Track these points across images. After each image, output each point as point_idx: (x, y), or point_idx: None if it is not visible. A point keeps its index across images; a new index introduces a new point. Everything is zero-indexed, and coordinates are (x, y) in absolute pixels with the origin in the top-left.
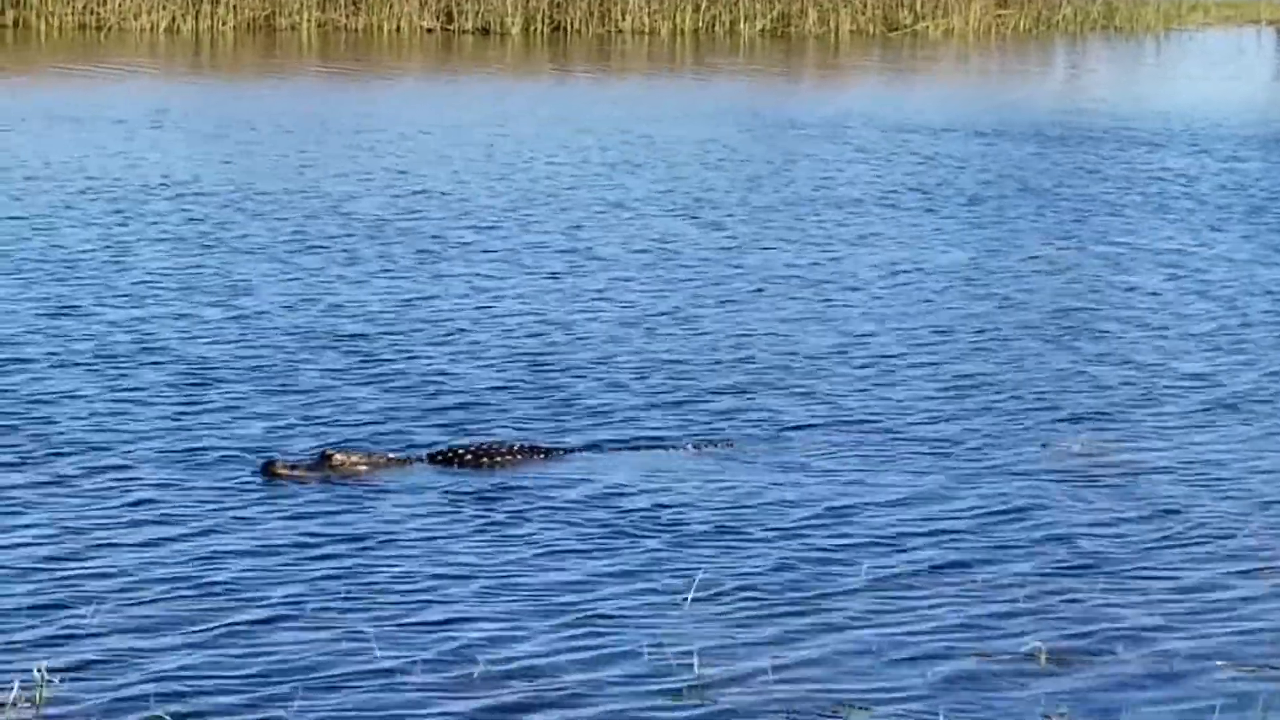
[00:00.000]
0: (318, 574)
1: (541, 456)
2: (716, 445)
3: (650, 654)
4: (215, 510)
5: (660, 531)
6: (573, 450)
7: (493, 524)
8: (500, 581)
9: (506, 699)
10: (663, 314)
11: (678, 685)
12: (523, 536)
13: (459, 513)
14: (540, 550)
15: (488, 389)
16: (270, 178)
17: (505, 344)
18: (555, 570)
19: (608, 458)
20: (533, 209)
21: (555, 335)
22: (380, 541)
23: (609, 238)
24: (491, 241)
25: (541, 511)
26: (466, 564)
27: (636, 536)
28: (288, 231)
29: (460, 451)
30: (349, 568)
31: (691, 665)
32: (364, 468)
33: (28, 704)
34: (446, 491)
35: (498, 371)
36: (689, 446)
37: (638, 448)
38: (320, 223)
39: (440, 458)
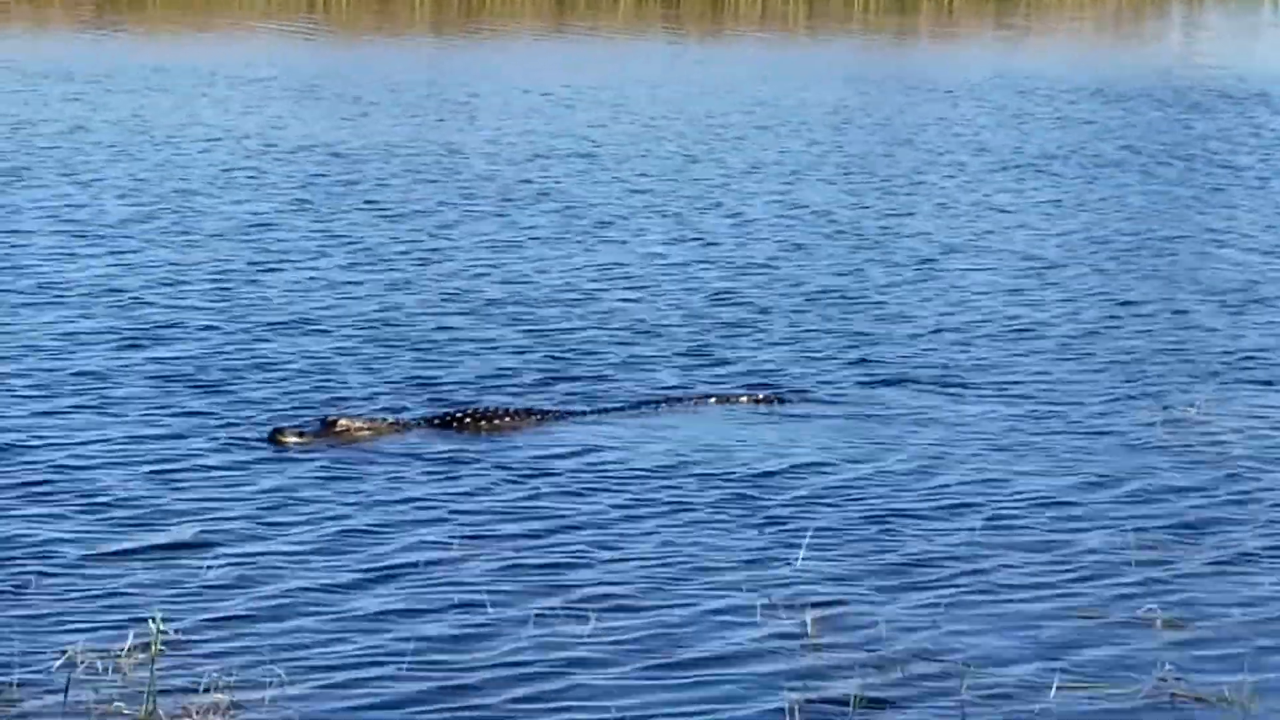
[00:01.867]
0: (404, 536)
1: (537, 419)
2: (769, 400)
3: (764, 612)
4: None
5: (756, 490)
6: (576, 413)
7: (557, 488)
8: (605, 541)
9: (626, 659)
10: (778, 276)
11: (793, 645)
12: (605, 498)
13: (546, 476)
14: (641, 511)
15: (610, 348)
16: (391, 139)
17: (620, 304)
18: (662, 529)
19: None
20: (653, 171)
21: (668, 292)
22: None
23: (730, 200)
24: (601, 201)
25: (596, 474)
26: (580, 522)
27: (723, 496)
28: (405, 192)
29: (459, 415)
30: (443, 531)
31: (804, 623)
32: (367, 432)
33: (143, 653)
34: (536, 455)
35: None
36: (743, 399)
37: (662, 403)
38: (441, 185)
39: (439, 421)
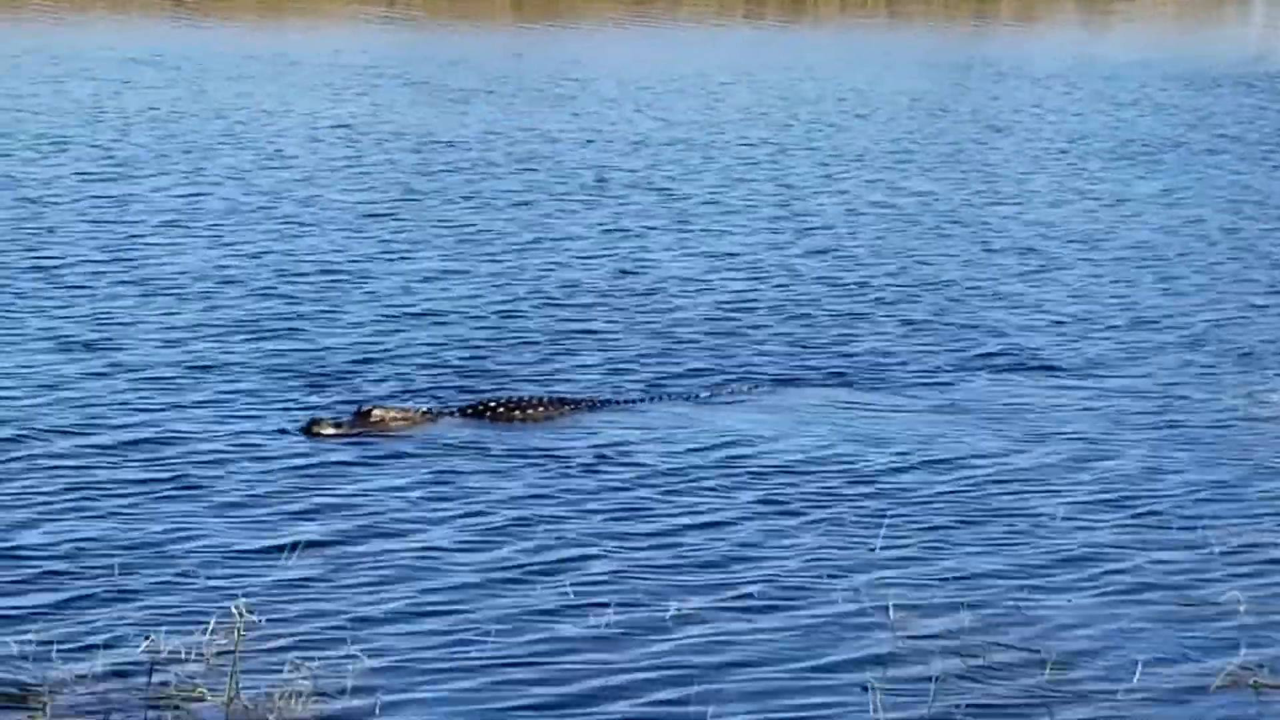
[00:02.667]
0: (466, 526)
1: (571, 408)
2: (748, 387)
3: (845, 597)
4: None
5: (836, 478)
6: (611, 403)
7: (610, 478)
8: (678, 527)
9: (709, 648)
10: (871, 265)
11: (874, 629)
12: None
13: (615, 466)
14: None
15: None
16: (481, 127)
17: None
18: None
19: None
20: (747, 159)
21: (774, 278)
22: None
23: (826, 188)
24: (685, 189)
25: (642, 464)
26: (638, 509)
27: (800, 482)
28: (498, 181)
29: (493, 404)
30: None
31: (886, 608)
32: (401, 422)
33: (225, 640)
34: (594, 445)
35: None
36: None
37: (693, 395)
38: (535, 174)
39: (471, 411)
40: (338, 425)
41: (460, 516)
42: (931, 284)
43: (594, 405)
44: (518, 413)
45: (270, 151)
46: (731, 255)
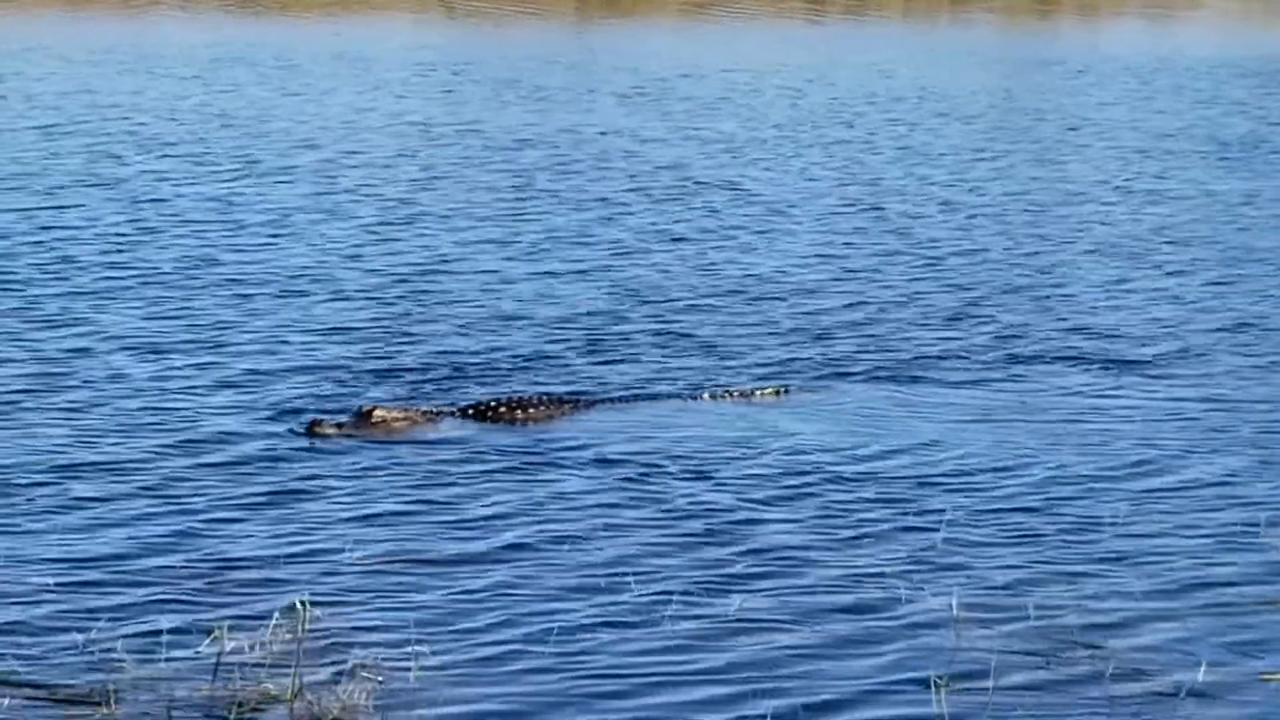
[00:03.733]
0: (519, 521)
1: (571, 407)
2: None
3: (908, 591)
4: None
5: (895, 472)
6: (612, 400)
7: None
8: (741, 520)
9: (770, 647)
10: (944, 263)
11: (937, 623)
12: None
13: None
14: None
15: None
16: (550, 125)
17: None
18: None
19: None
20: (823, 158)
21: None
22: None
23: (904, 186)
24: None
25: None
26: (694, 505)
27: (857, 477)
28: (569, 179)
29: (494, 404)
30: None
31: (949, 602)
32: (402, 423)
33: (289, 634)
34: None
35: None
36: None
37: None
38: (605, 173)
39: (473, 411)
40: (339, 426)
41: (500, 517)
42: (1009, 282)
43: (595, 404)
44: (519, 412)
45: (349, 151)
46: (809, 254)
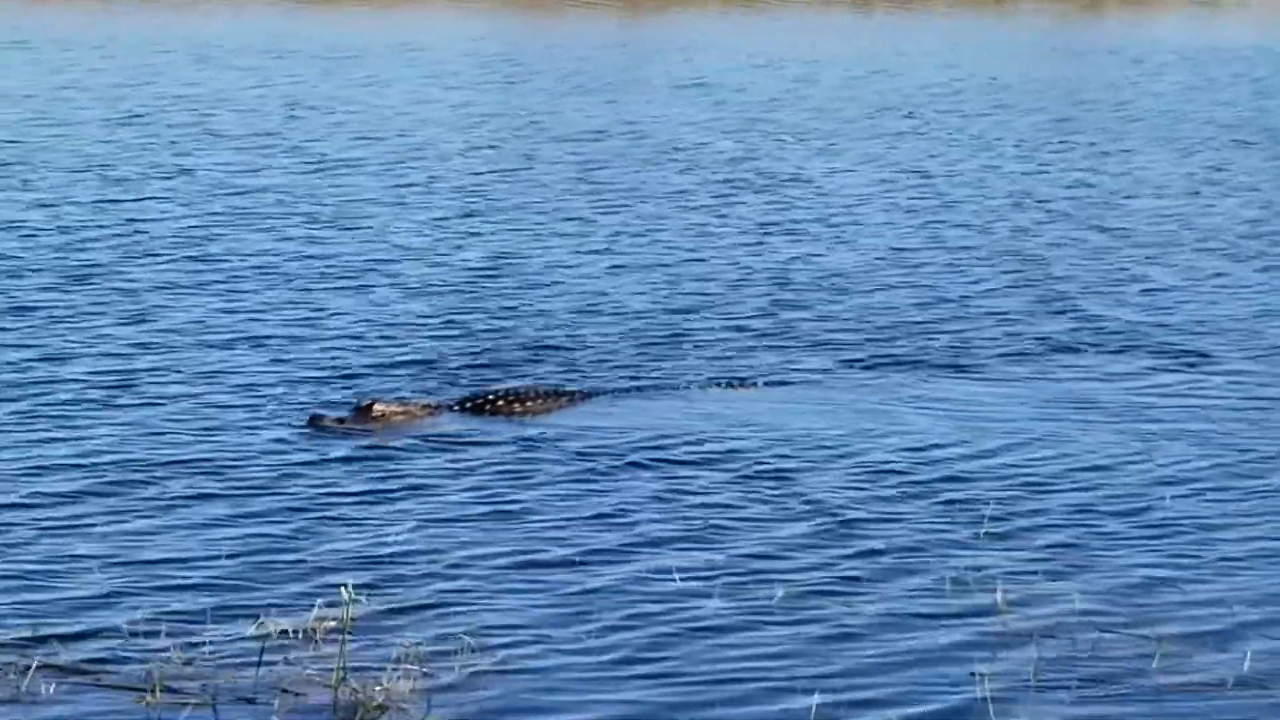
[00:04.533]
0: (555, 514)
1: (567, 399)
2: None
3: (953, 586)
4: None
5: (932, 466)
6: (609, 392)
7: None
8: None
9: (815, 632)
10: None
11: (981, 618)
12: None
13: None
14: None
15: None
16: (601, 118)
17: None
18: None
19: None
20: (880, 150)
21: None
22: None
23: (950, 174)
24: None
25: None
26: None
27: (891, 472)
28: (620, 172)
29: (491, 397)
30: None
31: (993, 597)
32: (401, 416)
33: (333, 622)
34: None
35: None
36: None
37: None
38: (658, 166)
39: (470, 405)
40: (339, 420)
41: (530, 512)
42: (1073, 274)
43: (593, 396)
44: (517, 405)
45: (415, 144)
46: (869, 245)
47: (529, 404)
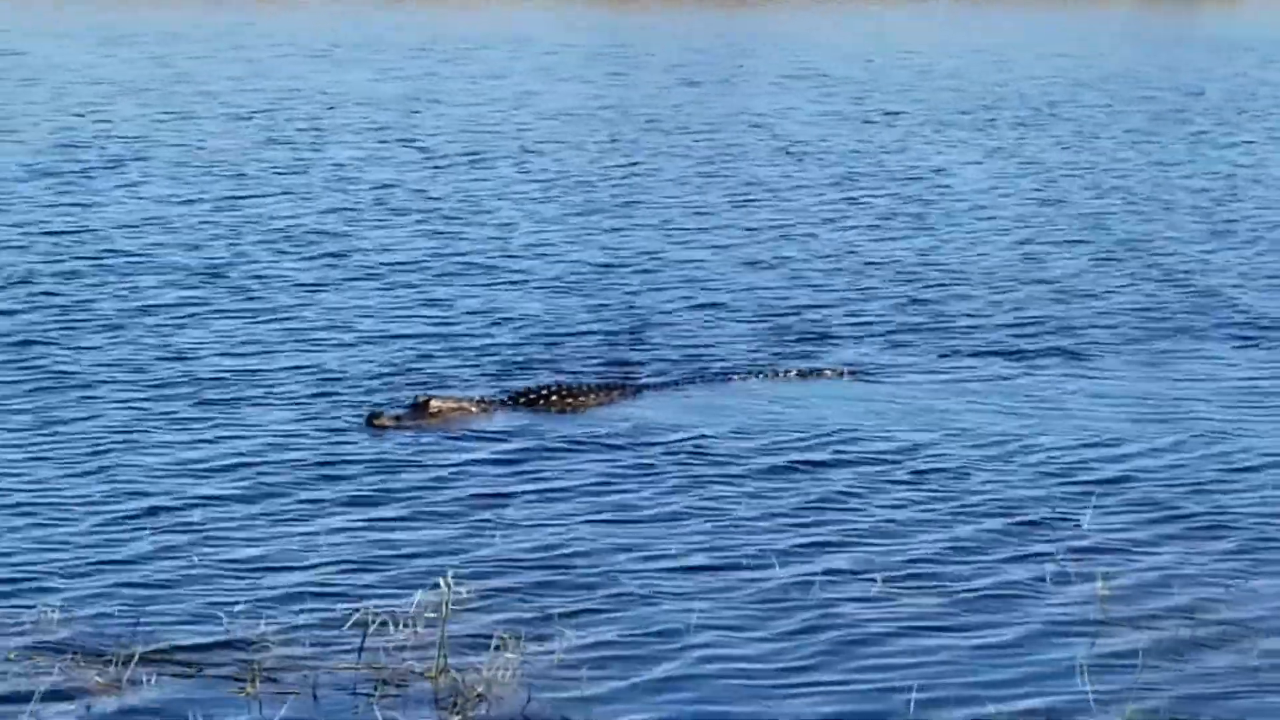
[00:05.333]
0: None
1: (620, 393)
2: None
3: (1053, 578)
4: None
5: (1035, 454)
6: (663, 385)
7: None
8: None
9: (915, 624)
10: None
11: (1083, 604)
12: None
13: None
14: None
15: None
16: (710, 109)
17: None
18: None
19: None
20: (988, 142)
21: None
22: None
23: (1059, 165)
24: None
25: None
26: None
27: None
28: (724, 164)
29: (544, 391)
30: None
31: (1094, 583)
32: (457, 412)
33: (432, 613)
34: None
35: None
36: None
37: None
38: (757, 156)
39: (524, 399)
40: (396, 418)
41: (623, 496)
42: (1184, 267)
43: (647, 389)
44: (570, 400)
45: (526, 139)
46: (991, 237)
47: (582, 398)
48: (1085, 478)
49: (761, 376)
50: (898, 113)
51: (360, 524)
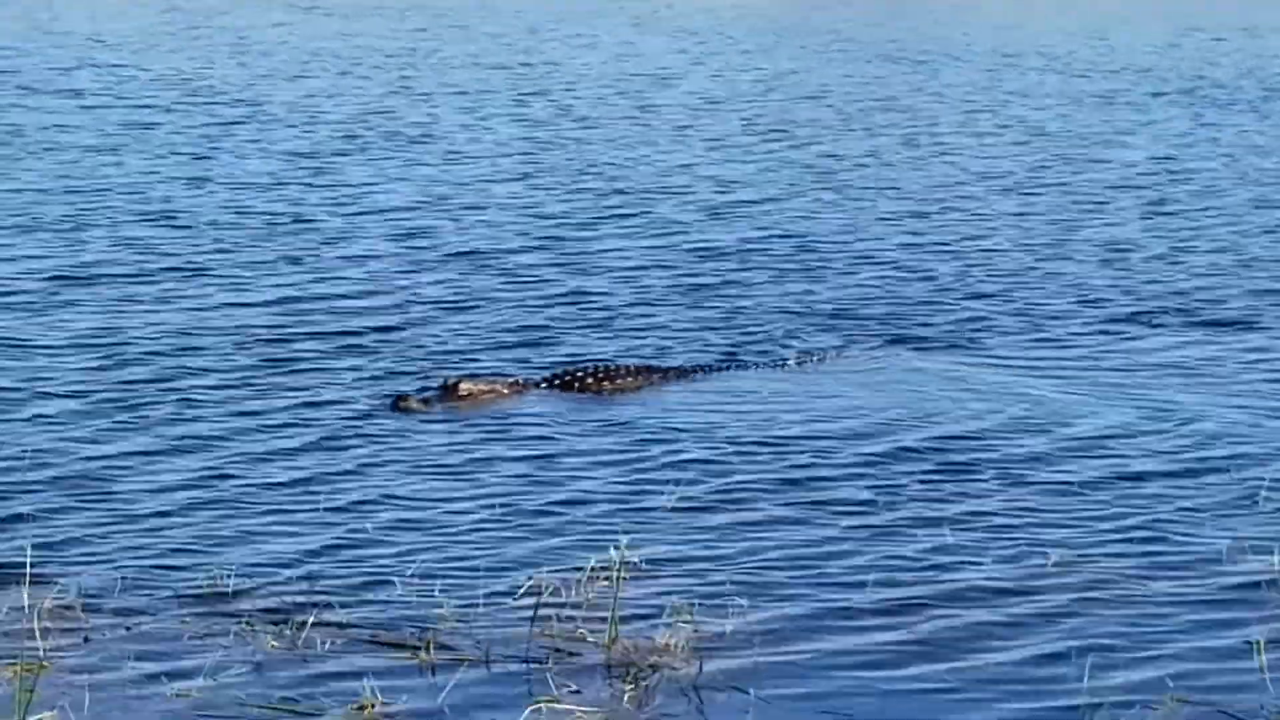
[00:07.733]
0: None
1: (659, 376)
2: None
3: (1230, 556)
4: None
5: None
6: (701, 370)
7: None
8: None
9: (1089, 601)
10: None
11: (1260, 584)
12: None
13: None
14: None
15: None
16: (891, 85)
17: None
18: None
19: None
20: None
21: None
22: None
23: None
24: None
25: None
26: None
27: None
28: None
29: (579, 374)
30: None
31: (1272, 562)
32: (489, 395)
33: (605, 581)
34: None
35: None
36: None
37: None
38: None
39: (559, 381)
40: (425, 400)
41: (753, 473)
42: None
43: (684, 373)
44: (606, 382)
45: (690, 113)
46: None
47: (619, 381)
48: (1257, 455)
49: (804, 361)
50: (1083, 90)
51: (540, 489)
